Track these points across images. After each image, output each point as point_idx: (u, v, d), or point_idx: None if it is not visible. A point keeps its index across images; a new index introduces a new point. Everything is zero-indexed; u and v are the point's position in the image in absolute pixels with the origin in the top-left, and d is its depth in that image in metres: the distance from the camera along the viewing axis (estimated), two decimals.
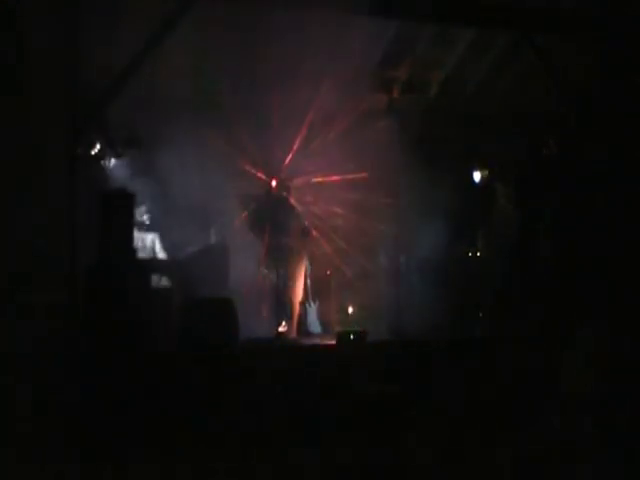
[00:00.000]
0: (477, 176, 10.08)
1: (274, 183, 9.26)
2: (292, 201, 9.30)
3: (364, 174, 9.44)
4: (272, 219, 8.86)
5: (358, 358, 6.98)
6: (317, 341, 8.39)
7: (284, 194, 9.14)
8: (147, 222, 8.14)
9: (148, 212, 8.14)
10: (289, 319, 8.68)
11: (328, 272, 9.47)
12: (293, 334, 8.69)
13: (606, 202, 8.31)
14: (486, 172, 10.01)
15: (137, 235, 7.71)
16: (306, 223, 9.20)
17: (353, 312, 9.46)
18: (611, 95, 8.42)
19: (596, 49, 8.62)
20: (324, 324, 9.10)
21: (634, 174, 8.27)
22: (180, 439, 5.71)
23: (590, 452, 5.23)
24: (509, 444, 5.67)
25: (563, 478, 5.18)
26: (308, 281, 9.18)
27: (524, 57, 9.16)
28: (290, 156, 9.46)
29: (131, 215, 7.27)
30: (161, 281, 7.59)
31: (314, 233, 9.39)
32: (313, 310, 9.05)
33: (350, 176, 9.54)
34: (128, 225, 7.19)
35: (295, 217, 9.09)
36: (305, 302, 8.99)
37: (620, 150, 8.30)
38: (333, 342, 7.66)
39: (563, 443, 5.40)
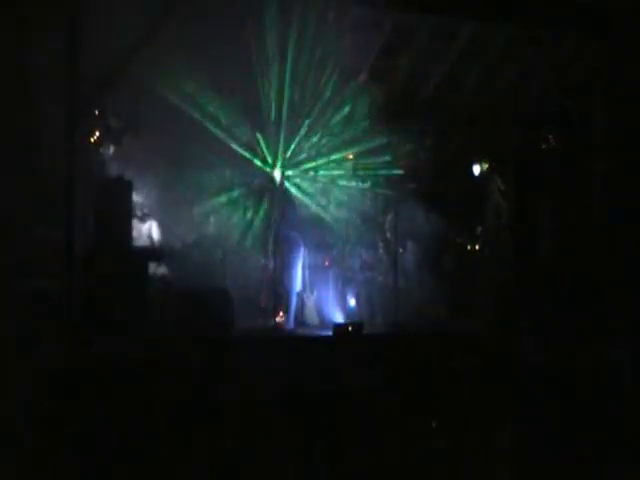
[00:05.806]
0: (477, 169, 10.08)
1: (274, 173, 9.29)
2: (291, 191, 9.34)
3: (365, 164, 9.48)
4: (271, 209, 8.86)
5: (354, 350, 6.99)
6: (313, 332, 8.39)
7: (283, 184, 9.15)
8: (145, 210, 8.15)
9: (146, 200, 8.15)
10: (286, 309, 8.68)
11: (327, 263, 9.47)
12: (290, 325, 8.69)
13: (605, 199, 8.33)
14: (485, 165, 10.00)
15: (135, 223, 7.74)
16: (305, 213, 9.22)
17: (350, 304, 9.45)
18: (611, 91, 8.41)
19: (597, 44, 8.60)
20: (321, 315, 9.10)
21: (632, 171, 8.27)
22: (175, 425, 5.75)
23: None
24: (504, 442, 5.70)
25: None
26: (306, 272, 9.18)
27: (522, 51, 9.16)
28: (291, 147, 9.50)
29: (129, 203, 7.30)
30: (158, 269, 7.61)
31: (312, 223, 9.40)
32: (311, 301, 9.04)
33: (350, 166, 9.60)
34: (125, 213, 7.22)
35: (294, 207, 9.10)
36: (303, 293, 8.99)
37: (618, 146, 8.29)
38: (329, 333, 7.68)
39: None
